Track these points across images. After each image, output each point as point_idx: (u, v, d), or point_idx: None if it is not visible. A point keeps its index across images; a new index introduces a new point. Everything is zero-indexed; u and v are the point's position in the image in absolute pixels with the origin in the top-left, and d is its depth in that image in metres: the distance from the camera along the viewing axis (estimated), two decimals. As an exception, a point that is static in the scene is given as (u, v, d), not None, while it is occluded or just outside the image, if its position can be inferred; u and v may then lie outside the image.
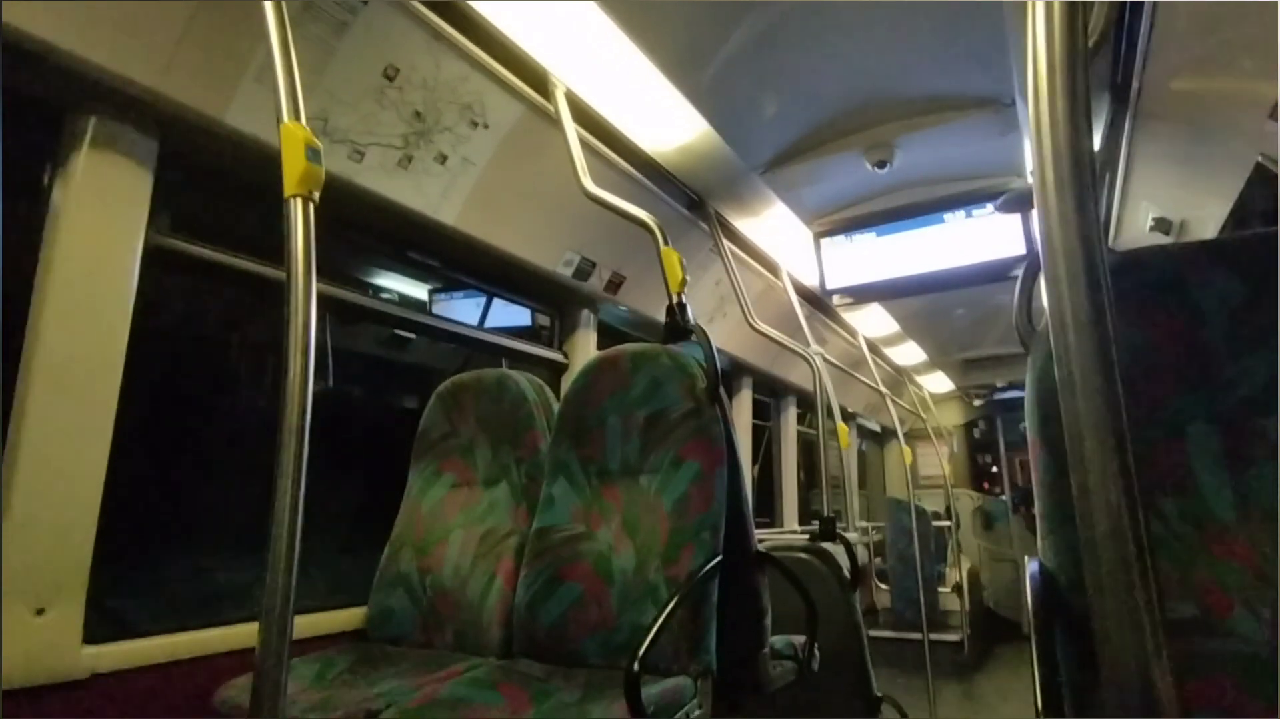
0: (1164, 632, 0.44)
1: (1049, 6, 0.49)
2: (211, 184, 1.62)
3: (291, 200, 0.95)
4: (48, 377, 1.24)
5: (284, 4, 1.03)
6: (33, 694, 1.20)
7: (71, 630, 1.26)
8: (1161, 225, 2.25)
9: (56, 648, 1.24)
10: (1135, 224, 2.37)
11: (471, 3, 1.63)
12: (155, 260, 1.42)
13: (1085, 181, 0.48)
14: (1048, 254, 0.48)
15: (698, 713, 1.31)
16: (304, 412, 0.90)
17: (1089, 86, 0.48)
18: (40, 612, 1.22)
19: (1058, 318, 0.48)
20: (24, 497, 1.20)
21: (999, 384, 6.73)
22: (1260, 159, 1.67)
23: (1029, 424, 0.98)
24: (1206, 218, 2.12)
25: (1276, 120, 1.48)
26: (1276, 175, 1.61)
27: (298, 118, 0.99)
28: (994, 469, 7.22)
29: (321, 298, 1.81)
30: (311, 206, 0.96)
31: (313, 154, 0.95)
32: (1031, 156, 0.52)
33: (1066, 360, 0.47)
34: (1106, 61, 1.76)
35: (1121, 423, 0.45)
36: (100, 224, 1.33)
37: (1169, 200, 2.21)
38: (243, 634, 1.51)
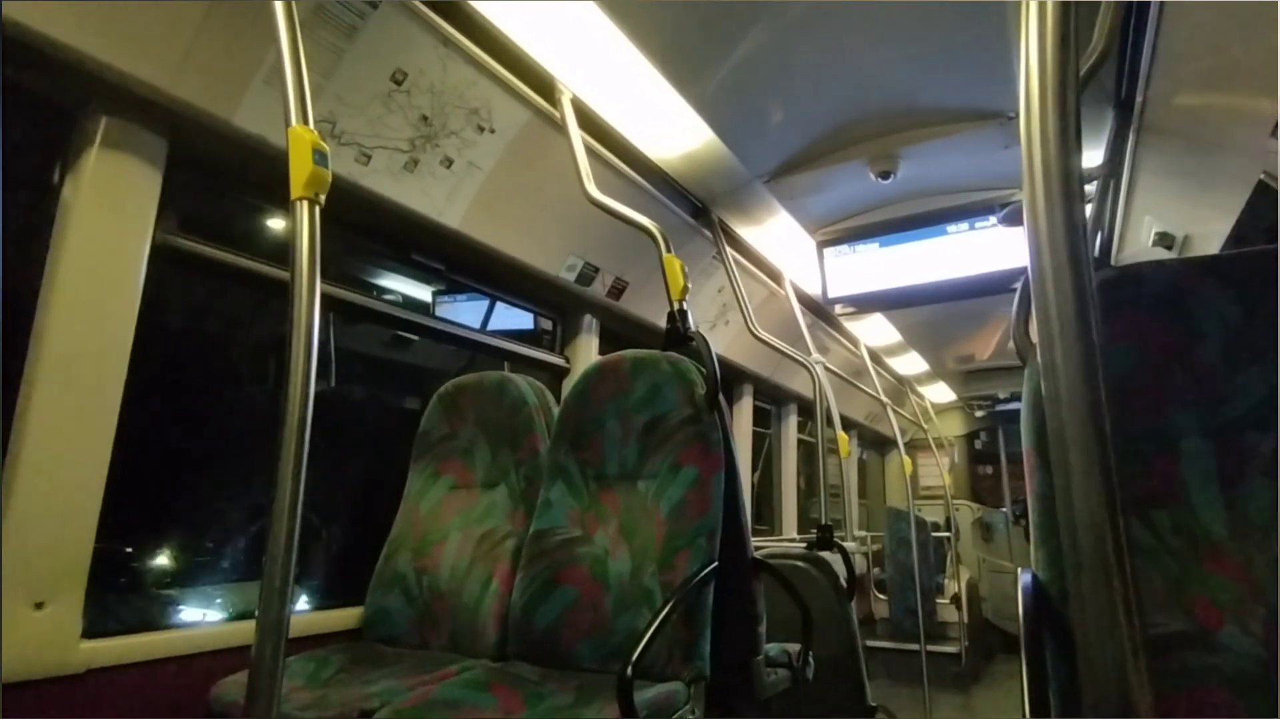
0: (1147, 645, 0.44)
1: (1042, 26, 0.50)
2: (220, 185, 1.63)
3: (298, 203, 0.96)
4: (53, 372, 1.25)
5: (294, 7, 1.04)
6: (31, 688, 1.21)
7: (70, 625, 1.27)
8: (1164, 240, 2.26)
9: (55, 642, 1.25)
10: (1138, 239, 2.38)
11: (478, 8, 1.64)
12: (162, 259, 1.44)
13: (1074, 199, 0.48)
14: (1036, 270, 0.49)
15: None
16: (305, 411, 0.91)
17: (1079, 107, 0.49)
18: (39, 605, 1.23)
19: (1045, 333, 0.48)
20: (26, 491, 1.21)
21: (1001, 396, 6.72)
22: (1263, 176, 1.67)
23: (1024, 436, 0.98)
24: (1209, 234, 2.12)
25: (1278, 138, 1.48)
26: (1278, 193, 1.61)
27: (306, 121, 1.00)
28: (995, 481, 7.19)
29: (325, 298, 1.84)
30: (317, 209, 0.97)
31: (320, 157, 0.96)
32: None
33: (1053, 375, 0.48)
34: (1111, 75, 1.77)
35: (1105, 438, 0.45)
36: (109, 222, 1.34)
37: (1172, 215, 2.22)
38: (238, 632, 1.52)
